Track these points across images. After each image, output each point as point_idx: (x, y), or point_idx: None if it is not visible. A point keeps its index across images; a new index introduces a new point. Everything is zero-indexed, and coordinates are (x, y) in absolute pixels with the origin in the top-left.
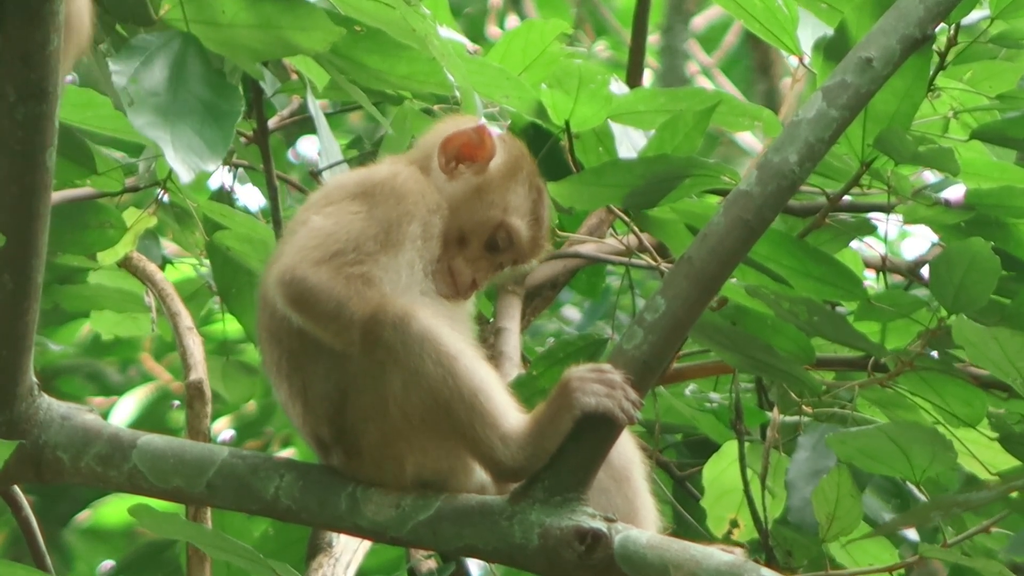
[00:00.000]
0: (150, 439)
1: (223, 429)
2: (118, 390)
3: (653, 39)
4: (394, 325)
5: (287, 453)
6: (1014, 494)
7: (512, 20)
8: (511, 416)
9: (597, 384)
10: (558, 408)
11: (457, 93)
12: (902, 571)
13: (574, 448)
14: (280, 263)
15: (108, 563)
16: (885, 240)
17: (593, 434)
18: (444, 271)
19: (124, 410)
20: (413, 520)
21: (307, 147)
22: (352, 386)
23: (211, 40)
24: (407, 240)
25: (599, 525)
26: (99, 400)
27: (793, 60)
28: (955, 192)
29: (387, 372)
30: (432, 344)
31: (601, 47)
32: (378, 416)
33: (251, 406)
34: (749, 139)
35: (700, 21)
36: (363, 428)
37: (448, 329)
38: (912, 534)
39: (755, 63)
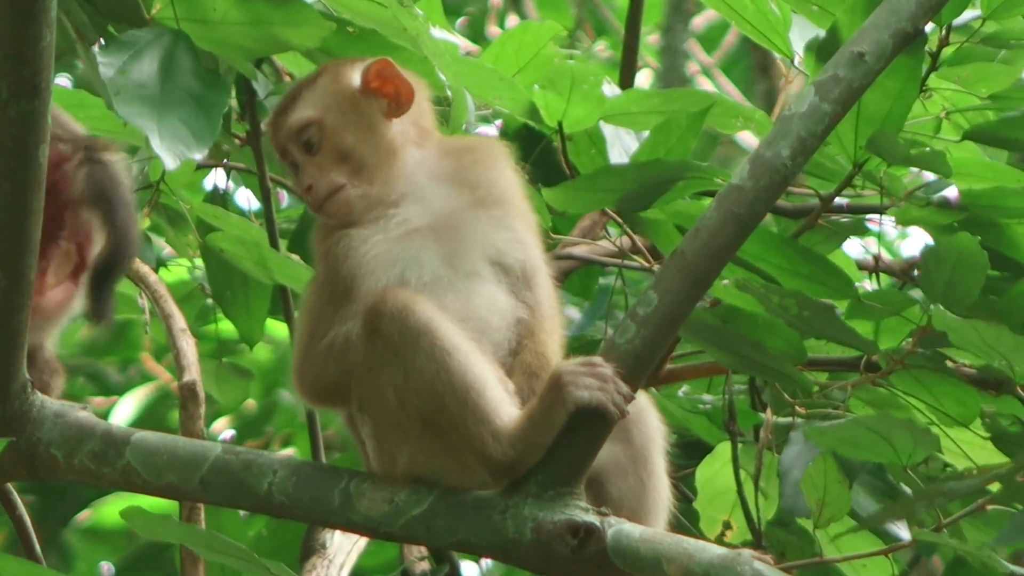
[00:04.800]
0: (144, 436)
1: (223, 429)
2: (118, 390)
3: (653, 39)
4: (392, 316)
5: (287, 453)
6: (995, 485)
7: (512, 20)
8: (504, 412)
9: (589, 378)
10: (551, 402)
11: (449, 93)
12: (898, 562)
13: (567, 442)
14: None
15: (106, 565)
16: (879, 239)
17: (586, 428)
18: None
19: (124, 410)
20: (406, 515)
21: None
22: (354, 377)
23: (203, 38)
24: (351, 277)
25: (592, 519)
26: (99, 400)
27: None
28: (952, 191)
29: (384, 363)
30: (428, 337)
31: (601, 47)
32: (374, 407)
33: (251, 405)
34: (750, 139)
35: (700, 21)
36: (361, 420)
37: (447, 323)
38: (904, 534)
39: (755, 63)
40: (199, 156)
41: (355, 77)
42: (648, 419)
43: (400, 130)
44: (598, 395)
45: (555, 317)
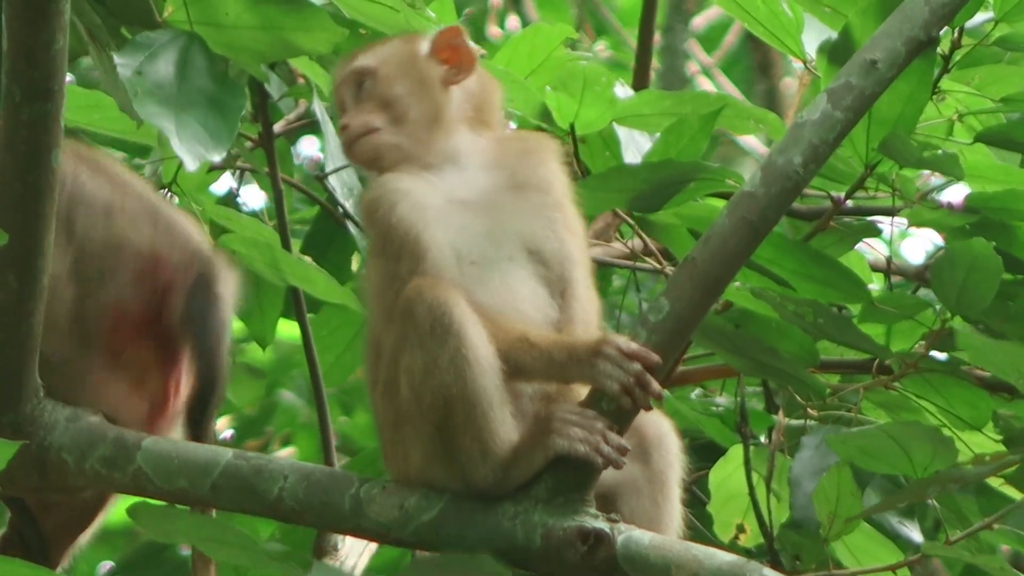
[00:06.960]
0: (154, 441)
1: (223, 429)
2: None
3: (653, 39)
4: (430, 307)
5: (287, 452)
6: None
7: (512, 20)
8: (500, 435)
9: (577, 428)
10: (534, 443)
11: None
12: (906, 572)
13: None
14: None
15: (106, 564)
16: (890, 243)
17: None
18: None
19: None
20: (416, 521)
21: (308, 147)
22: (381, 356)
23: (214, 41)
24: (404, 227)
25: (602, 525)
26: None
27: (797, 63)
28: (956, 194)
29: (407, 349)
30: (456, 341)
31: (601, 47)
32: (393, 395)
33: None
34: (750, 140)
35: (700, 21)
36: (383, 406)
37: (478, 330)
38: (917, 536)
39: (755, 63)
40: (217, 158)
41: (425, 43)
42: (669, 444)
43: (457, 102)
44: (579, 447)
45: (587, 332)
